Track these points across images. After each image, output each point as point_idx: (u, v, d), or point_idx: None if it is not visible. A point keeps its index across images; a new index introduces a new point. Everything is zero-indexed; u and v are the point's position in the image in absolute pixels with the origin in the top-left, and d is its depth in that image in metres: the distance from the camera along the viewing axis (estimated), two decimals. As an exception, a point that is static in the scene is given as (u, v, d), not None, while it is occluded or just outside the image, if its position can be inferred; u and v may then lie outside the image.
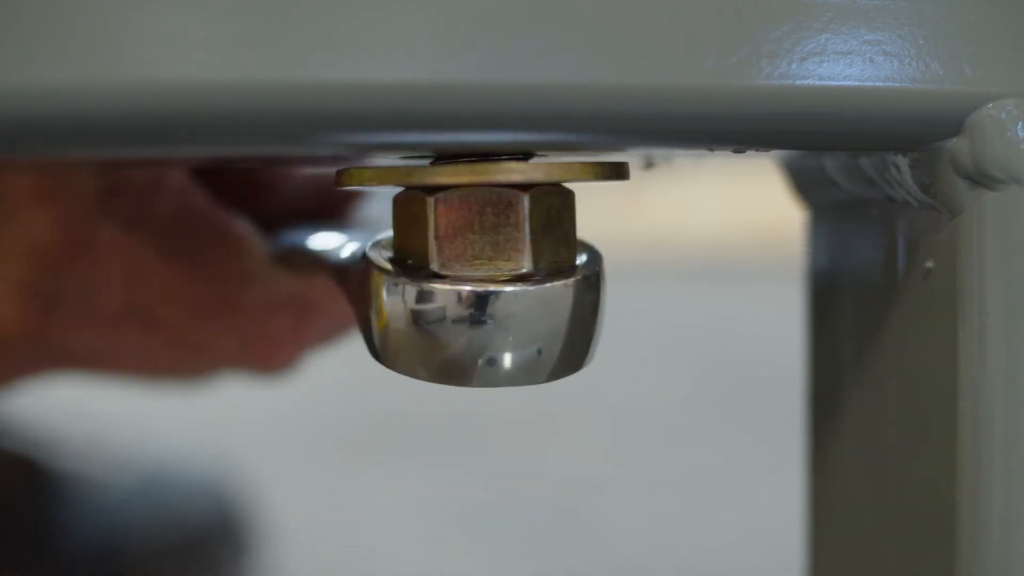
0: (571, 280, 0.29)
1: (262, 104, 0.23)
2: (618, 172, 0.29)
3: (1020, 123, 0.27)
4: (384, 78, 0.24)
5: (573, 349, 0.29)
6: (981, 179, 0.27)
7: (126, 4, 0.22)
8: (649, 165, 0.37)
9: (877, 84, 0.26)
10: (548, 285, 0.28)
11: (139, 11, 0.22)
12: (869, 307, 0.32)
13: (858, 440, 0.33)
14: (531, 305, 0.28)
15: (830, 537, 0.35)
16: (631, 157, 0.32)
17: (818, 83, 0.26)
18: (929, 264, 0.29)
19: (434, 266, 0.28)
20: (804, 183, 0.35)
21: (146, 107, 0.23)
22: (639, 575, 1.16)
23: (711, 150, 0.29)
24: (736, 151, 0.29)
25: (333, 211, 0.43)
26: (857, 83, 0.26)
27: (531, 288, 0.28)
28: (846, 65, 0.26)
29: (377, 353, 0.29)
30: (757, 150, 0.29)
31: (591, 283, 0.29)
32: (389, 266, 0.29)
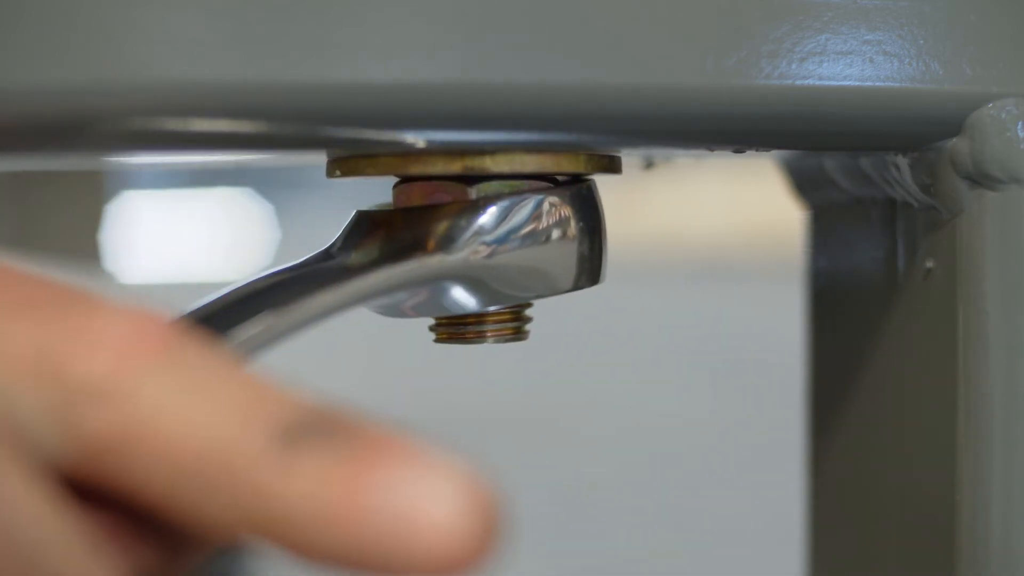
0: None
1: (262, 104, 0.23)
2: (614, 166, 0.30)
3: (1020, 123, 0.27)
4: (384, 78, 0.24)
5: None
6: (981, 179, 0.27)
7: (127, 4, 0.22)
8: (649, 165, 0.37)
9: (877, 84, 0.26)
10: None
11: (140, 11, 0.22)
12: (869, 307, 0.32)
13: (858, 440, 0.33)
14: None
15: (830, 536, 0.35)
16: (632, 157, 0.32)
17: (818, 83, 0.26)
18: (929, 264, 0.29)
19: None
20: (804, 183, 0.35)
21: (146, 107, 0.23)
22: (637, 573, 1.16)
23: (711, 150, 0.29)
24: (736, 151, 0.29)
25: None
26: (857, 83, 0.26)
27: None
28: (846, 65, 0.26)
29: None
30: (757, 150, 0.29)
31: None
32: None
